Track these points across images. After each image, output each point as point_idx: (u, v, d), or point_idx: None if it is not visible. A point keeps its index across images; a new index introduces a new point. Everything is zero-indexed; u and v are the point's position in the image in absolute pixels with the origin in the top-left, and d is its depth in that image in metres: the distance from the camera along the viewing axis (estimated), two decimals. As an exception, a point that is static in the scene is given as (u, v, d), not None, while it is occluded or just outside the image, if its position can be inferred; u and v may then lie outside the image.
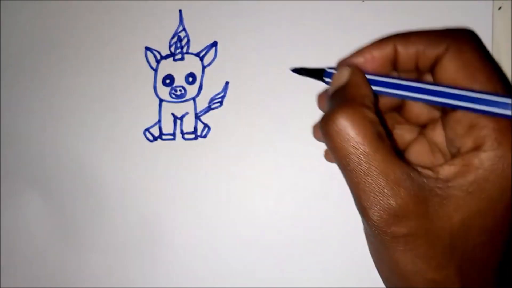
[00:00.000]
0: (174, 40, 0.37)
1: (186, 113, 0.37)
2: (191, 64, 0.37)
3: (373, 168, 0.22)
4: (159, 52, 0.38)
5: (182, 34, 0.37)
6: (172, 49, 0.37)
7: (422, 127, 0.28)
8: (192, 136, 0.37)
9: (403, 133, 0.29)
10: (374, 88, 0.26)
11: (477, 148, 0.23)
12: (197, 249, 0.36)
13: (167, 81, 0.37)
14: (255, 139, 0.36)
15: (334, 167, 0.34)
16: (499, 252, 0.23)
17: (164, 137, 0.37)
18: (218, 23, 0.37)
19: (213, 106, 0.37)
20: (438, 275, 0.23)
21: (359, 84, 0.25)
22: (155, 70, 0.38)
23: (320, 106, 0.30)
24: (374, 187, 0.22)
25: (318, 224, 0.35)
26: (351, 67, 0.26)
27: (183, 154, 0.37)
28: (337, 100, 0.24)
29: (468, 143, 0.23)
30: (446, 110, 0.25)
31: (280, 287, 0.35)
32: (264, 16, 0.36)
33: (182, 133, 0.37)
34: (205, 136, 0.37)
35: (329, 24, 0.35)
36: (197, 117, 0.37)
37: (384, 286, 0.30)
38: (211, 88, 0.37)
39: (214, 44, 0.37)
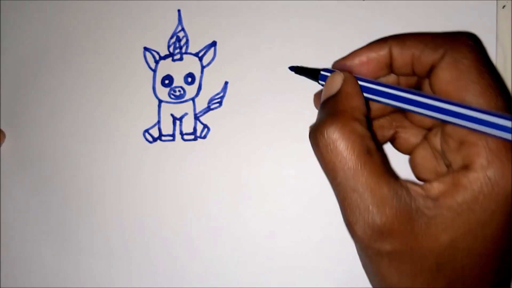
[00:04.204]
0: (173, 40, 0.37)
1: (186, 114, 0.37)
2: (190, 64, 0.37)
3: (360, 184, 0.22)
4: (157, 53, 0.37)
5: (181, 34, 0.37)
6: (171, 49, 0.37)
7: (428, 130, 0.28)
8: (192, 137, 0.37)
9: (408, 137, 0.29)
10: (366, 95, 0.25)
11: (466, 166, 0.22)
12: (196, 251, 0.36)
13: (166, 81, 0.37)
14: (254, 140, 0.36)
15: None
16: (491, 274, 0.23)
17: (163, 138, 0.37)
18: (217, 22, 0.36)
19: (212, 107, 0.36)
20: None
21: (350, 94, 0.25)
22: (154, 71, 0.37)
23: (317, 106, 0.29)
24: (360, 203, 0.22)
25: (318, 225, 0.35)
26: (344, 74, 0.25)
27: (182, 155, 0.37)
28: (327, 110, 0.24)
29: (458, 159, 0.23)
30: None
31: (282, 287, 0.35)
32: (264, 16, 0.36)
33: (182, 134, 0.37)
34: (204, 137, 0.36)
35: (329, 24, 0.34)
36: (196, 117, 0.37)
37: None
38: (210, 89, 0.36)
39: (213, 44, 0.36)
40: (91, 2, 0.39)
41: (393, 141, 0.29)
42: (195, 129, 0.37)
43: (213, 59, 0.36)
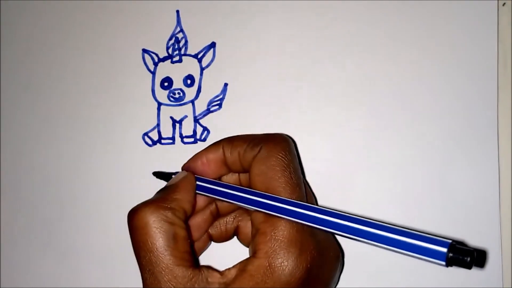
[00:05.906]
0: (172, 41, 0.37)
1: (185, 117, 0.36)
2: (189, 66, 0.37)
3: (157, 270, 0.25)
4: (156, 54, 0.37)
5: (180, 35, 0.37)
6: (170, 51, 0.37)
7: None
8: (192, 139, 0.36)
9: (248, 231, 0.31)
10: (202, 192, 0.29)
11: (254, 253, 0.25)
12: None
13: (165, 84, 0.37)
14: (255, 142, 0.35)
15: (334, 169, 0.33)
16: None
17: (163, 141, 0.37)
18: (216, 23, 0.36)
19: (212, 109, 0.36)
20: None
21: (179, 188, 0.28)
22: (153, 73, 0.37)
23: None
24: (157, 285, 0.25)
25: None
26: (185, 173, 0.29)
27: (183, 158, 0.36)
28: (154, 197, 0.28)
29: (252, 246, 0.26)
30: None
31: None
32: (264, 16, 0.35)
33: (182, 137, 0.36)
34: (204, 140, 0.36)
35: (329, 25, 0.34)
36: (196, 120, 0.36)
37: (385, 287, 0.30)
38: (209, 91, 0.36)
39: (212, 45, 0.36)
40: (89, 4, 0.39)
41: (237, 235, 0.32)
42: (195, 131, 0.36)
43: (212, 60, 0.36)
